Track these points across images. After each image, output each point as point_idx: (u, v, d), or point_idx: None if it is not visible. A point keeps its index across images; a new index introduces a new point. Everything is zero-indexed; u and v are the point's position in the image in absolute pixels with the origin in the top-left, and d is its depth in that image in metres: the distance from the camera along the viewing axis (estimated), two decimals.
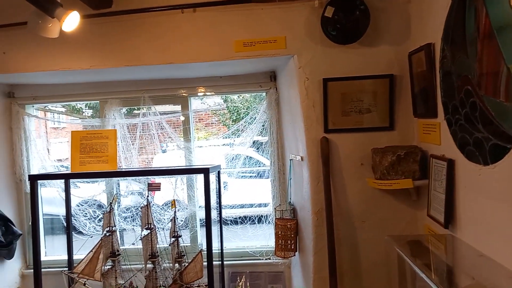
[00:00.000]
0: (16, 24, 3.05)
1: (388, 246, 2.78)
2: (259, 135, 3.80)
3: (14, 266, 3.91)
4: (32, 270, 3.37)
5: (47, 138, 4.16)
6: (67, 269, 3.56)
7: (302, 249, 3.28)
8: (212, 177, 3.61)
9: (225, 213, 3.79)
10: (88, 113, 6.90)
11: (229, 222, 3.81)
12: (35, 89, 3.92)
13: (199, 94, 3.88)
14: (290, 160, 3.40)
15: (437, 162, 2.39)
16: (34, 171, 3.97)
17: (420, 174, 2.63)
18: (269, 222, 3.78)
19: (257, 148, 3.94)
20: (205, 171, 3.12)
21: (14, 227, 3.71)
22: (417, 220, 2.84)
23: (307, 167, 2.97)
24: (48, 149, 4.27)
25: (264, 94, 3.80)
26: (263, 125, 3.71)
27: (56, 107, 4.51)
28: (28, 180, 3.42)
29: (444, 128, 2.28)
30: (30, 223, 3.86)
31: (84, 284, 3.41)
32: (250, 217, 3.81)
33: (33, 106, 4.08)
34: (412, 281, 2.13)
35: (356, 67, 2.92)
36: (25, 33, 2.97)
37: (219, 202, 3.61)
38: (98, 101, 4.00)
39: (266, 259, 3.74)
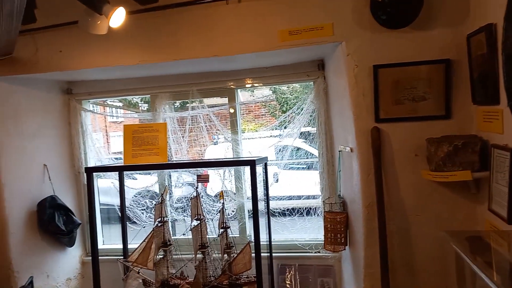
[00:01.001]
0: (71, 23, 3.18)
1: (444, 242, 2.62)
2: (307, 125, 3.72)
3: (75, 253, 4.14)
4: (90, 257, 3.56)
5: (107, 132, 4.34)
6: (122, 257, 3.72)
7: (352, 243, 3.18)
8: (260, 169, 3.60)
9: (274, 204, 3.76)
10: (143, 107, 7.15)
11: (277, 214, 3.78)
12: (90, 85, 4.10)
13: (246, 86, 3.86)
14: (339, 151, 3.29)
15: (499, 153, 2.20)
16: (90, 164, 4.16)
17: (479, 166, 2.44)
18: (318, 215, 3.71)
19: (306, 139, 3.86)
20: (252, 163, 3.11)
21: (74, 217, 3.92)
22: (477, 215, 2.65)
23: (356, 159, 2.86)
24: (107, 142, 4.46)
25: (311, 83, 3.71)
26: (311, 116, 3.63)
27: (113, 101, 4.68)
28: (85, 172, 3.59)
29: (507, 116, 2.09)
30: (88, 213, 4.08)
31: (138, 273, 3.54)
32: (298, 209, 3.75)
33: (89, 102, 4.27)
34: (471, 280, 1.98)
35: (409, 52, 2.75)
36: (79, 31, 3.10)
37: (267, 194, 3.59)
38: (149, 95, 4.11)
39: (315, 252, 3.67)
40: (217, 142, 4.58)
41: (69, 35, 3.26)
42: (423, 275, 2.81)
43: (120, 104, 5.85)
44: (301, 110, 3.67)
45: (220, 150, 4.39)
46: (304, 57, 3.47)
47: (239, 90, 3.93)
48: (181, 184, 4.25)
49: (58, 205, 3.79)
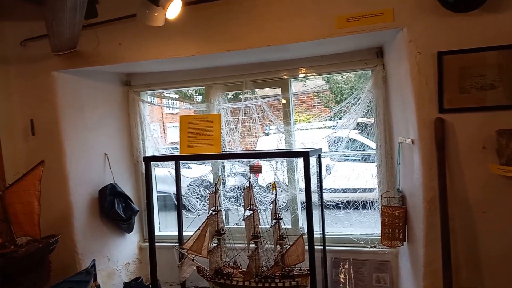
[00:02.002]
0: (129, 16, 3.27)
1: None
2: (364, 116, 3.59)
3: (133, 239, 4.32)
4: (147, 243, 3.68)
5: (163, 123, 4.46)
6: (177, 244, 3.81)
7: (411, 239, 3.04)
8: (313, 161, 3.53)
9: (327, 197, 3.68)
10: (198, 99, 7.29)
11: (331, 206, 3.69)
12: (148, 77, 4.22)
13: (300, 75, 3.79)
14: (398, 143, 3.14)
15: None
16: (148, 154, 4.30)
17: None
18: (374, 209, 3.58)
19: (362, 131, 3.72)
20: (305, 155, 3.05)
21: (132, 204, 4.08)
22: None
23: (418, 151, 2.71)
24: (164, 132, 4.58)
25: (369, 72, 3.57)
26: (368, 106, 3.50)
27: (170, 93, 4.80)
28: (143, 161, 3.71)
29: None
30: (146, 201, 4.22)
31: (193, 260, 3.61)
32: (354, 203, 3.64)
33: (146, 93, 4.40)
34: None
35: (477, 37, 2.55)
36: (137, 24, 3.18)
37: (320, 186, 3.52)
38: (203, 87, 4.16)
39: (371, 247, 3.56)
40: (268, 133, 4.56)
41: (128, 29, 3.36)
42: (490, 275, 2.63)
43: (176, 96, 5.99)
44: (358, 100, 3.54)
45: (271, 141, 4.37)
46: (362, 44, 3.34)
47: (292, 80, 3.87)
48: (234, 174, 4.29)
49: (117, 192, 3.96)
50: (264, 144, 4.65)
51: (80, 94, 3.79)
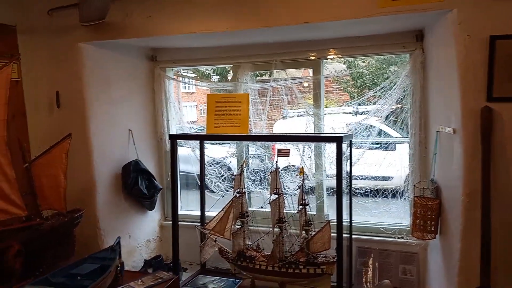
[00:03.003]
0: None
1: None
2: (396, 103, 3.45)
3: (154, 217, 4.30)
4: (169, 222, 3.64)
5: (179, 102, 4.39)
6: (199, 224, 3.77)
7: (444, 232, 2.93)
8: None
9: (354, 184, 3.57)
10: (215, 79, 7.17)
11: (358, 194, 3.58)
12: (174, 53, 4.12)
13: (333, 56, 3.64)
14: (436, 132, 3.00)
15: None
16: (172, 131, 4.23)
17: None
18: (404, 199, 3.46)
19: (386, 119, 3.58)
20: (338, 140, 2.94)
21: (155, 182, 4.04)
22: None
23: (460, 142, 2.57)
24: (180, 111, 4.49)
25: (407, 56, 3.41)
26: (404, 91, 3.35)
27: (187, 73, 4.70)
28: (169, 139, 3.64)
29: None
30: (168, 179, 4.18)
31: (215, 241, 3.56)
32: (383, 191, 3.52)
33: (172, 70, 4.30)
34: None
35: None
36: None
37: (350, 173, 3.41)
38: (225, 66, 4.03)
39: (398, 238, 3.46)
40: (286, 116, 4.45)
41: (159, 1, 3.24)
42: None
43: (193, 75, 5.87)
44: (393, 86, 3.39)
45: (288, 125, 4.26)
46: (402, 26, 3.17)
47: (324, 60, 3.72)
48: (257, 156, 4.21)
49: (141, 169, 3.91)
50: (281, 127, 4.56)
51: (106, 68, 3.71)
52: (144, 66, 4.13)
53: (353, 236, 3.49)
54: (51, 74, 3.66)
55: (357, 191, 3.57)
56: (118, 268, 2.86)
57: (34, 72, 3.65)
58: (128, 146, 3.94)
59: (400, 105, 3.47)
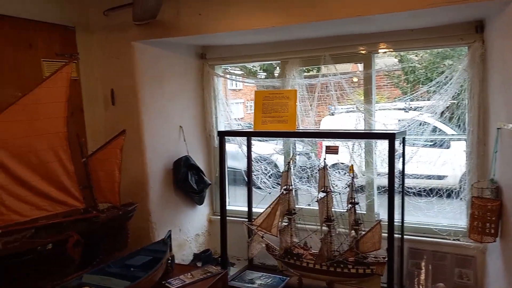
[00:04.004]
0: None
1: None
2: (452, 98, 3.28)
3: (203, 211, 4.38)
4: (217, 217, 3.69)
5: (227, 99, 4.43)
6: (247, 220, 3.80)
7: (505, 235, 2.75)
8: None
9: (407, 183, 3.44)
10: (262, 76, 7.16)
11: (411, 194, 3.45)
12: (223, 50, 4.16)
13: (384, 50, 3.52)
14: (497, 129, 2.82)
15: None
16: (220, 128, 4.29)
17: None
18: (461, 199, 3.30)
19: (441, 115, 3.41)
20: (391, 137, 2.85)
21: (205, 177, 4.11)
22: None
23: None
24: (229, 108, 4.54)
25: (463, 49, 3.23)
26: (461, 86, 3.18)
27: (234, 70, 4.74)
28: (217, 136, 3.69)
29: None
30: (217, 175, 4.24)
31: (262, 237, 3.57)
32: (437, 191, 3.37)
33: (221, 67, 4.35)
34: None
35: None
36: None
37: (402, 172, 3.29)
38: (273, 62, 4.01)
39: (454, 240, 3.30)
40: (333, 112, 4.36)
41: None
42: None
43: (240, 72, 5.90)
44: (449, 80, 3.23)
45: (336, 121, 4.17)
46: (460, 17, 3.01)
47: (375, 55, 3.61)
48: (305, 153, 4.16)
49: (191, 165, 4.00)
50: (328, 124, 4.46)
51: (158, 65, 3.81)
52: (194, 64, 4.21)
53: (405, 236, 3.37)
54: (107, 72, 3.82)
55: (409, 190, 3.44)
56: (169, 261, 2.94)
57: (91, 70, 3.82)
58: (178, 142, 4.03)
59: (456, 101, 3.30)
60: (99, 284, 2.42)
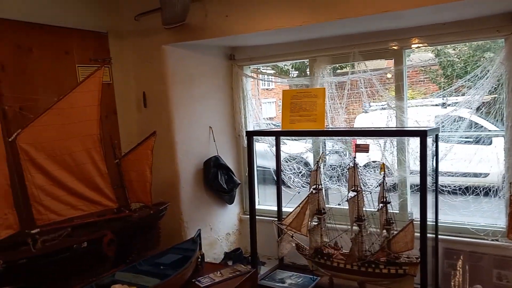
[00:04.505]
0: None
1: None
2: (489, 93, 3.14)
3: (234, 211, 4.42)
4: (247, 216, 3.71)
5: (259, 98, 4.45)
6: (276, 219, 3.80)
7: None
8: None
9: (441, 181, 3.33)
10: (293, 74, 7.13)
11: (446, 192, 3.34)
12: (251, 50, 4.18)
13: (416, 45, 3.41)
14: None
15: None
16: (249, 128, 4.31)
17: None
18: (499, 197, 3.15)
19: (477, 110, 3.27)
20: (422, 134, 2.76)
21: (234, 177, 4.15)
22: None
23: None
24: (260, 108, 4.56)
25: (501, 41, 3.09)
26: (498, 80, 3.04)
27: (266, 69, 4.75)
28: (245, 136, 3.71)
29: None
30: (246, 174, 4.26)
31: (292, 237, 3.56)
32: (474, 189, 3.24)
33: (249, 68, 4.38)
34: None
35: None
36: None
37: (436, 170, 3.19)
38: (305, 60, 3.99)
39: (492, 240, 3.16)
40: (367, 110, 4.28)
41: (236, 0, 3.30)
42: None
43: (272, 71, 5.91)
44: (485, 74, 3.09)
45: (370, 119, 4.09)
46: (495, 8, 2.88)
47: (406, 50, 3.51)
48: (332, 152, 4.12)
49: (220, 164, 4.05)
50: (362, 121, 4.38)
51: (188, 67, 3.88)
52: (222, 65, 4.25)
53: (439, 236, 3.27)
54: (139, 75, 3.93)
55: (444, 188, 3.33)
56: (199, 259, 2.98)
57: (124, 74, 3.94)
58: (208, 142, 4.09)
59: (493, 96, 3.16)
60: (131, 281, 2.49)
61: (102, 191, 2.99)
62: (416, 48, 3.51)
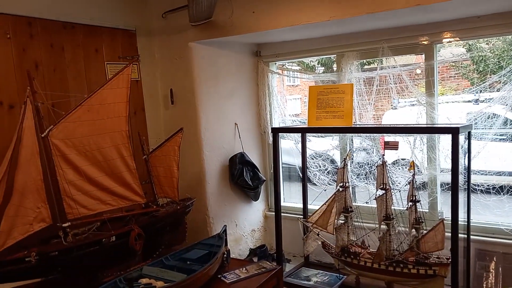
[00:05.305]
0: None
1: None
2: None
3: (259, 207, 4.42)
4: (273, 213, 3.69)
5: (284, 95, 4.43)
6: (302, 217, 3.77)
7: None
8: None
9: (474, 180, 3.22)
10: (320, 70, 7.04)
11: (478, 191, 3.22)
12: (277, 47, 4.16)
13: (448, 39, 3.31)
14: None
15: None
16: (275, 124, 4.29)
17: None
18: None
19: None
20: (454, 131, 2.67)
21: (259, 173, 4.15)
22: None
23: None
24: (285, 104, 4.53)
25: None
26: None
27: (292, 66, 4.71)
28: (271, 132, 3.69)
29: None
30: (271, 171, 4.25)
31: (318, 235, 3.53)
32: (509, 188, 3.11)
33: (275, 64, 4.35)
34: None
35: None
36: None
37: (468, 168, 3.08)
38: (331, 56, 3.93)
39: None
40: (396, 106, 4.18)
41: None
42: None
43: (298, 67, 5.86)
44: None
45: (399, 116, 4.00)
46: None
47: (438, 45, 3.41)
48: (359, 149, 4.04)
49: (246, 161, 4.05)
50: (391, 118, 4.29)
51: (214, 64, 3.90)
52: (248, 61, 4.25)
53: (471, 236, 3.17)
54: (166, 73, 3.97)
55: (476, 187, 3.22)
56: (225, 255, 2.99)
57: (152, 71, 3.99)
58: (234, 139, 4.10)
59: None
60: (158, 276, 2.52)
61: (130, 186, 3.04)
62: (448, 42, 3.41)
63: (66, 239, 2.69)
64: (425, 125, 3.35)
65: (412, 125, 3.36)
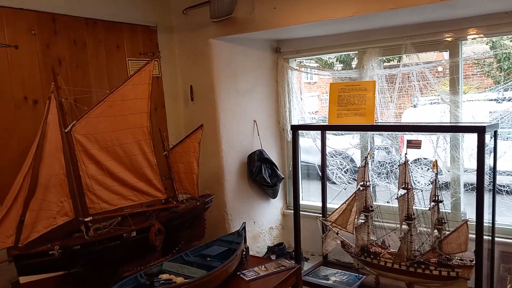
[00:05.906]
0: None
1: None
2: None
3: (277, 205, 4.40)
4: (290, 211, 3.67)
5: (301, 92, 4.40)
6: (321, 215, 3.74)
7: None
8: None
9: (499, 180, 3.14)
10: (338, 67, 6.95)
11: (504, 192, 3.14)
12: (297, 43, 4.12)
13: (474, 36, 3.23)
14: None
15: None
16: (294, 122, 4.26)
17: None
18: None
19: None
20: (480, 130, 2.61)
21: (278, 171, 4.13)
22: None
23: None
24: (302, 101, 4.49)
25: None
26: None
27: (310, 63, 4.67)
28: (290, 130, 3.66)
29: None
30: (290, 169, 4.23)
31: (337, 234, 3.50)
32: None
33: (295, 60, 4.31)
34: None
35: None
36: None
37: (494, 168, 3.01)
38: (350, 53, 3.87)
39: None
40: (416, 104, 4.10)
41: None
42: None
43: (316, 64, 5.79)
44: None
45: (419, 114, 3.92)
46: None
47: (463, 42, 3.33)
48: (384, 148, 3.98)
49: (264, 158, 4.04)
50: (411, 116, 4.20)
51: (234, 61, 3.89)
52: (268, 58, 4.22)
53: (496, 238, 3.09)
54: (187, 69, 3.98)
55: (502, 188, 3.14)
56: (244, 253, 2.99)
57: (172, 68, 4.00)
58: (253, 136, 4.09)
59: None
60: (178, 271, 2.52)
61: (151, 182, 3.06)
62: (473, 39, 3.32)
63: (88, 233, 2.72)
64: (450, 124, 3.28)
65: (437, 124, 3.30)
